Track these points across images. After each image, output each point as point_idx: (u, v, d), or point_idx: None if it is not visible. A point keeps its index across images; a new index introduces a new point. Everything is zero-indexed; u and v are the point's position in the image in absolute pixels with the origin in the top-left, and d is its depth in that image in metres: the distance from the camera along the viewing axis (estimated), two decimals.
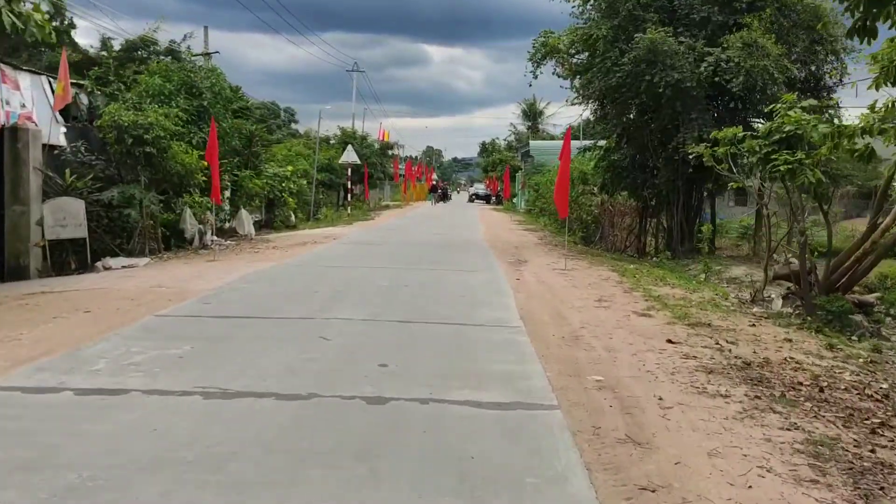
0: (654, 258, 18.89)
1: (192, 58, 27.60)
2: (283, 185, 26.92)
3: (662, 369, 6.13)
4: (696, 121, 15.53)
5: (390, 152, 52.29)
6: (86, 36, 45.59)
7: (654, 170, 18.33)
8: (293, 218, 26.19)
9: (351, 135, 46.21)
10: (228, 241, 17.81)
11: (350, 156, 33.04)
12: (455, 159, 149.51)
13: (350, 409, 4.78)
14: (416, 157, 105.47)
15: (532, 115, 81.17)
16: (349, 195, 39.10)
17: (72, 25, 32.34)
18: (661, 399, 5.23)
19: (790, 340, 7.75)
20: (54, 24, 31.35)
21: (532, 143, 49.52)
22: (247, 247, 16.86)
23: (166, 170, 14.31)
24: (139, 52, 24.80)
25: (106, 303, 8.66)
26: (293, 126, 75.92)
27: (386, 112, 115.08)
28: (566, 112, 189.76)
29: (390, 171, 50.43)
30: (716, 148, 10.93)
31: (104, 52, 30.44)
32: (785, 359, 6.79)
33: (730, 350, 6.99)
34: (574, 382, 5.65)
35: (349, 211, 34.25)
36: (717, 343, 7.30)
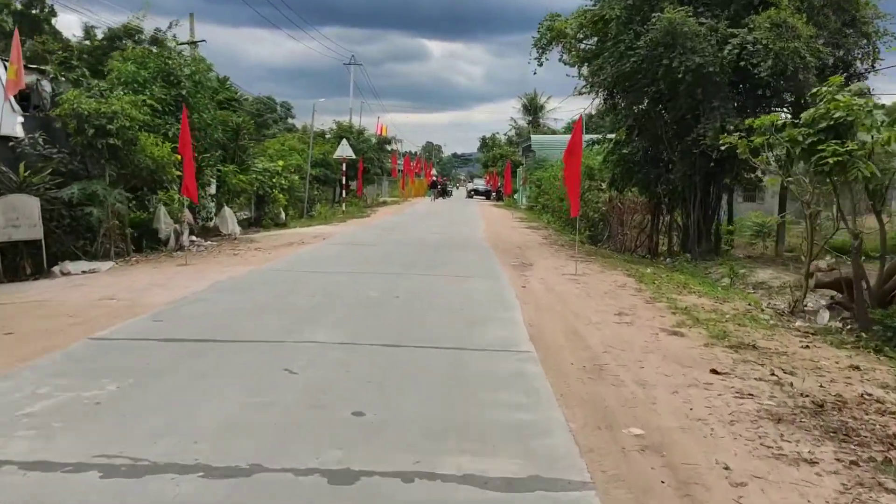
0: (668, 259, 17.56)
1: (178, 46, 26.35)
2: (274, 180, 25.65)
3: (716, 416, 4.79)
4: (718, 110, 14.15)
5: (388, 147, 50.88)
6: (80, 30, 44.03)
7: (669, 164, 16.97)
8: (283, 215, 24.83)
9: (347, 129, 44.85)
10: (208, 242, 16.46)
11: (345, 150, 31.65)
12: (455, 154, 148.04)
13: (303, 492, 3.44)
14: (416, 152, 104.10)
15: (533, 109, 79.80)
16: (345, 191, 37.81)
17: (52, 13, 31.00)
18: (727, 469, 3.88)
19: (857, 368, 6.40)
20: (32, 11, 29.90)
21: (534, 137, 48.07)
22: (228, 248, 15.51)
23: (135, 164, 12.94)
24: (122, 41, 23.46)
25: (38, 320, 7.31)
26: (290, 121, 74.59)
27: (384, 107, 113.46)
28: (567, 105, 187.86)
29: (388, 167, 49.03)
30: (752, 138, 9.58)
31: (87, 42, 29.12)
32: (861, 396, 5.45)
33: (790, 384, 5.65)
34: (607, 439, 4.30)
35: (344, 208, 32.87)
36: (773, 374, 5.96)
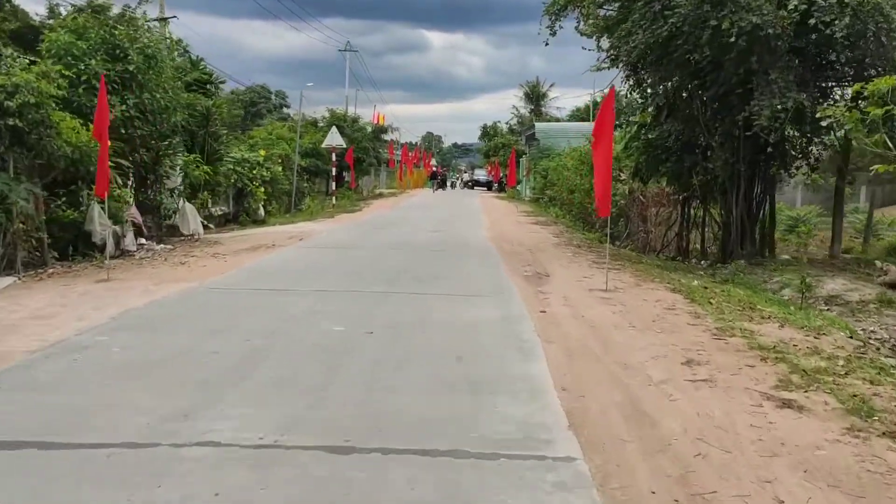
0: (703, 263, 14.96)
1: (147, 22, 23.84)
2: (255, 172, 23.09)
3: None
4: (776, 83, 11.46)
5: (385, 137, 48.12)
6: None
7: (707, 150, 14.33)
8: (262, 211, 22.17)
9: (340, 117, 42.19)
10: (160, 246, 13.82)
11: (335, 138, 28.94)
12: (455, 144, 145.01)
13: None
14: (416, 143, 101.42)
15: (535, 97, 77.19)
16: (335, 183, 35.26)
17: None
18: None
19: None
20: None
21: (538, 124, 45.27)
22: (180, 253, 12.87)
23: (49, 152, 10.28)
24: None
25: None
26: (285, 110, 71.92)
27: (384, 98, 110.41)
28: (572, 91, 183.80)
29: (385, 157, 46.20)
30: (866, 109, 6.92)
31: (51, 21, 26.44)
32: None
33: None
34: None
35: (335, 201, 30.17)
36: None
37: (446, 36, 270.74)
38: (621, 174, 19.56)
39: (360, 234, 17.19)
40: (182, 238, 15.46)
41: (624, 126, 16.99)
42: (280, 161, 29.16)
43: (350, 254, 13.18)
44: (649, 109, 15.73)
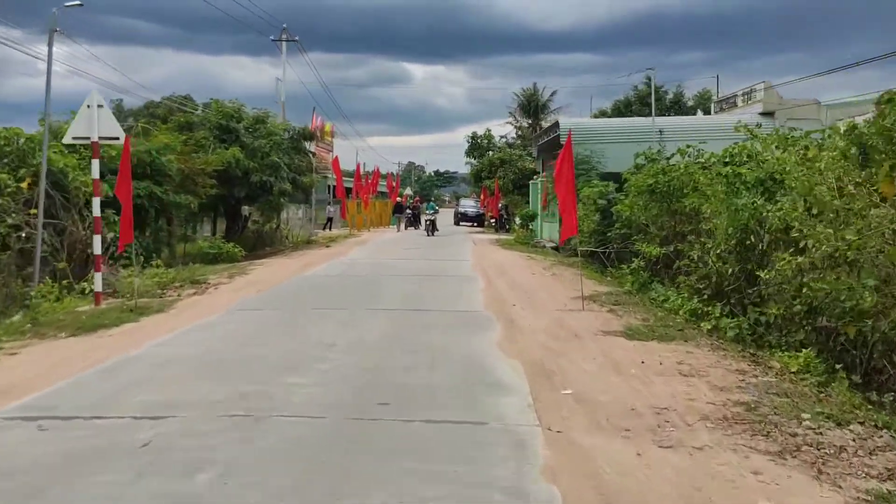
0: None
1: None
2: None
3: None
4: None
5: (308, 146, 29.94)
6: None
7: None
8: None
9: (231, 113, 24.61)
10: None
11: (95, 124, 11.06)
12: (437, 172, 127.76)
13: None
14: (396, 172, 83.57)
15: (533, 108, 59.86)
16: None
17: None
18: None
19: None
20: None
21: (563, 121, 27.48)
22: None
23: None
24: None
25: None
26: None
27: (359, 131, 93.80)
28: (576, 102, 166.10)
29: (307, 182, 27.86)
30: None
31: None
32: None
33: None
34: None
35: (126, 275, 12.08)
36: None
37: (428, 68, 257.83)
38: None
39: None
40: None
41: None
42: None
43: None
44: None
